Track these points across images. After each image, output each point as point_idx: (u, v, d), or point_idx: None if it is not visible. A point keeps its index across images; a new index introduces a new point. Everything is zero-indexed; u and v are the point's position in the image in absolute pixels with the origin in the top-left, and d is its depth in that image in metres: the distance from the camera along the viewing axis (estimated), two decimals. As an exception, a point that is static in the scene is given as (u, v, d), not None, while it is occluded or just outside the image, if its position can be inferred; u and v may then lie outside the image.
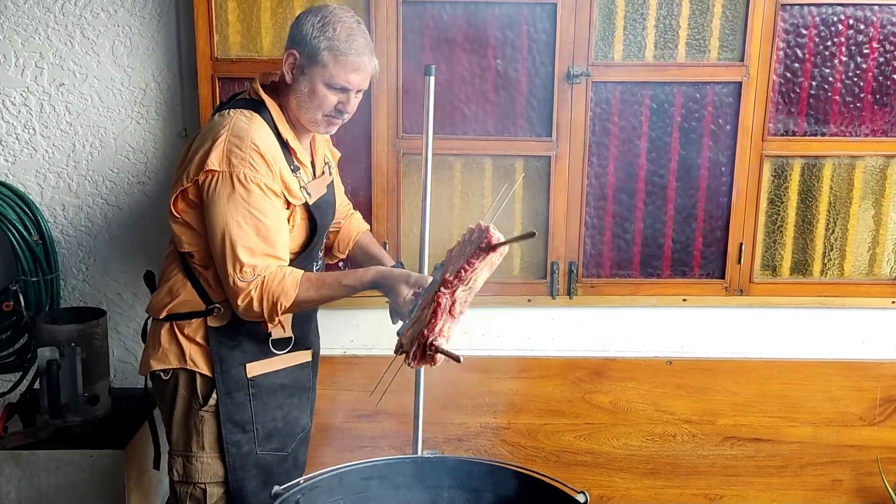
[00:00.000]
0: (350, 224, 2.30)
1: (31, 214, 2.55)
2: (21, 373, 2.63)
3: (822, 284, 2.72)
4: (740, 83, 2.57)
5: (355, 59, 1.86)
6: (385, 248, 2.60)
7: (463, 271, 1.62)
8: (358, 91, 1.92)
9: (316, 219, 1.95)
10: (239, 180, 1.79)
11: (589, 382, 2.73)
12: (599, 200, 2.65)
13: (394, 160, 2.58)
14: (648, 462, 2.77)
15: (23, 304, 2.52)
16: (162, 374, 1.97)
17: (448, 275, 1.65)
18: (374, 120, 2.54)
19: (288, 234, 1.89)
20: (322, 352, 2.26)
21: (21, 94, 2.53)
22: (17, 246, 2.50)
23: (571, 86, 2.55)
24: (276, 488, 1.71)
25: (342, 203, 2.27)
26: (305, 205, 1.93)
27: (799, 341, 2.75)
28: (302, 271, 1.88)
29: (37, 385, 2.48)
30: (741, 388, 2.74)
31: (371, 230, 2.60)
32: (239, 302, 1.82)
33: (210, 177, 1.81)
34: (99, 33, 2.51)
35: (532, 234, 1.56)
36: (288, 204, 1.89)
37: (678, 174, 2.64)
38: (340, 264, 2.47)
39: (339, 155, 2.28)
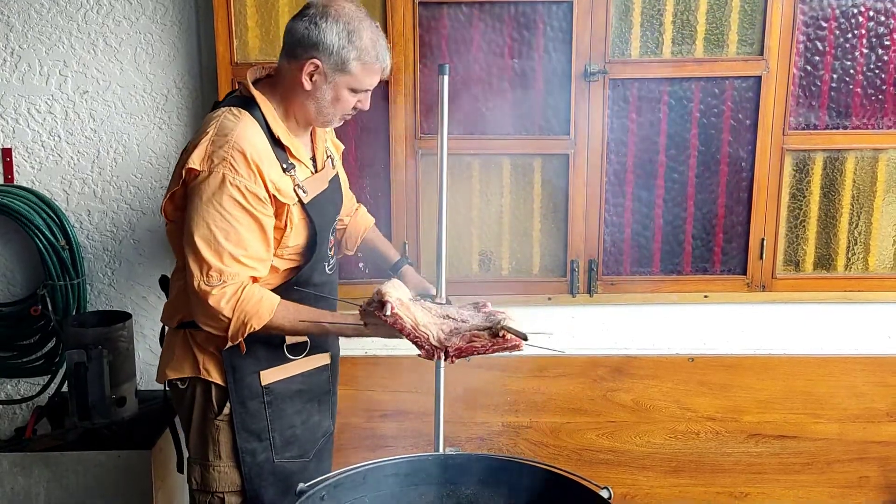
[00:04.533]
0: (356, 220, 2.26)
1: (57, 220, 2.59)
2: (49, 376, 2.67)
3: (847, 279, 2.70)
4: (760, 77, 2.55)
5: (382, 65, 1.88)
6: (404, 248, 2.62)
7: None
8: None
9: (312, 217, 1.89)
10: (217, 181, 1.73)
11: (610, 380, 2.72)
12: (618, 198, 2.64)
13: (412, 160, 2.59)
14: (672, 460, 2.76)
15: (50, 308, 2.57)
16: (178, 382, 1.94)
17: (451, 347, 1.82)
18: (392, 121, 2.56)
19: (266, 243, 1.81)
20: (343, 352, 2.26)
21: (46, 102, 2.58)
22: (44, 251, 2.54)
23: (589, 83, 2.54)
24: (301, 485, 1.71)
25: (347, 198, 2.21)
26: (301, 203, 1.87)
27: (823, 337, 2.72)
28: (279, 298, 1.81)
29: (65, 388, 2.52)
30: (765, 385, 2.71)
31: (391, 230, 2.61)
32: (200, 310, 1.76)
33: (191, 175, 1.76)
34: (121, 41, 2.55)
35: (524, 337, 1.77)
36: (279, 205, 1.82)
37: (698, 170, 2.63)
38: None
39: (342, 147, 2.22)
